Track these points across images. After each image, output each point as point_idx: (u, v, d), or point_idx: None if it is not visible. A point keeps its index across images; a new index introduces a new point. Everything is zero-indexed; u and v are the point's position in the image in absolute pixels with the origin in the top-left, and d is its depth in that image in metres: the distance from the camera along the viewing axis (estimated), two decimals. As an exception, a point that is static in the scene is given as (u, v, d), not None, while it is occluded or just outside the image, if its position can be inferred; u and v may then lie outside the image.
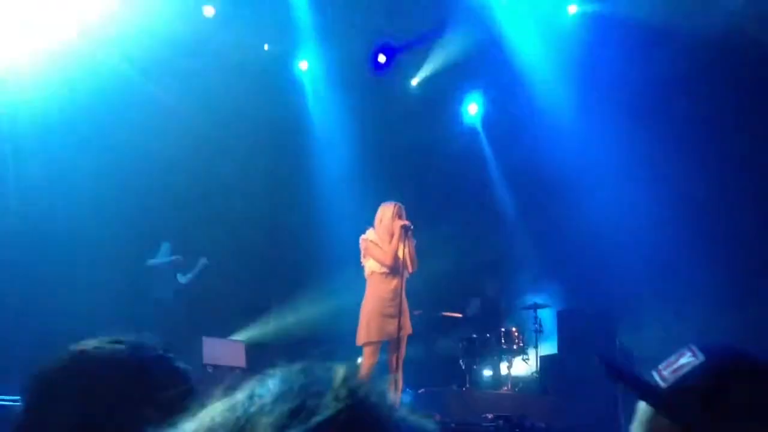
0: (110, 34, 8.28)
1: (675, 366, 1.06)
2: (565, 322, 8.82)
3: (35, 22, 7.72)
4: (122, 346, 1.13)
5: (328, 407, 0.54)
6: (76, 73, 8.22)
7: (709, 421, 0.98)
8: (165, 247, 8.57)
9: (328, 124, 9.76)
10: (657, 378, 1.07)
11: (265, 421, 0.54)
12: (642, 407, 1.07)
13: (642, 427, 1.06)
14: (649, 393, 1.05)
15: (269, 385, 0.58)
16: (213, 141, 9.26)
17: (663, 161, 8.61)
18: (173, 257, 8.53)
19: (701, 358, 1.04)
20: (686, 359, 1.05)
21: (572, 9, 9.36)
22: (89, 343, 1.13)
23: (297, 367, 0.60)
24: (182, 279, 8.62)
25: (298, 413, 0.54)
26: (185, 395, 1.07)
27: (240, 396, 0.58)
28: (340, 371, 0.58)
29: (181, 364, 1.14)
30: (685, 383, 1.02)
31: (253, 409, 0.56)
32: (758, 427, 0.99)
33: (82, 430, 1.02)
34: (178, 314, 8.39)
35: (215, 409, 0.58)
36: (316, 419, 0.53)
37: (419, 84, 10.29)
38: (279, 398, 0.56)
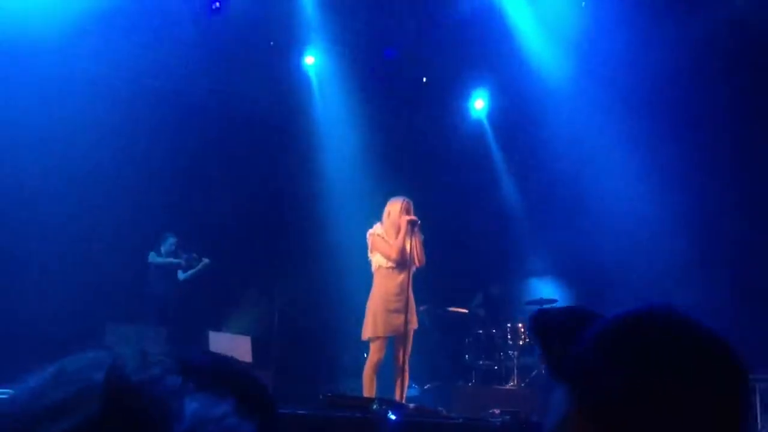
0: (114, 27, 8.27)
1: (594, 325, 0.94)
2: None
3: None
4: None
5: (92, 402, 0.51)
6: (77, 64, 8.22)
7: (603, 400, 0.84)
8: (170, 241, 8.57)
9: (335, 119, 9.75)
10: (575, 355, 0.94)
11: (27, 415, 0.51)
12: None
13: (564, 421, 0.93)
14: (554, 363, 0.94)
15: (40, 377, 0.55)
16: (218, 135, 9.27)
17: (672, 156, 8.58)
18: (174, 260, 8.50)
19: (603, 327, 0.91)
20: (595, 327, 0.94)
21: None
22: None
23: (68, 361, 0.56)
24: (182, 275, 8.63)
25: (63, 407, 0.51)
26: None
27: (17, 387, 0.55)
28: (114, 362, 0.55)
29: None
30: (583, 355, 0.89)
31: (12, 402, 0.53)
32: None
33: None
34: (181, 309, 8.40)
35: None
36: (76, 416, 0.50)
37: (426, 79, 10.26)
38: (45, 392, 0.53)
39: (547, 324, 1.00)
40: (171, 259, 8.54)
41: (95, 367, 0.54)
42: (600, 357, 0.86)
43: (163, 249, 8.60)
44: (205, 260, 8.66)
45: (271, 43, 9.45)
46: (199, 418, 0.54)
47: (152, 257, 8.51)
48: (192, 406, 0.54)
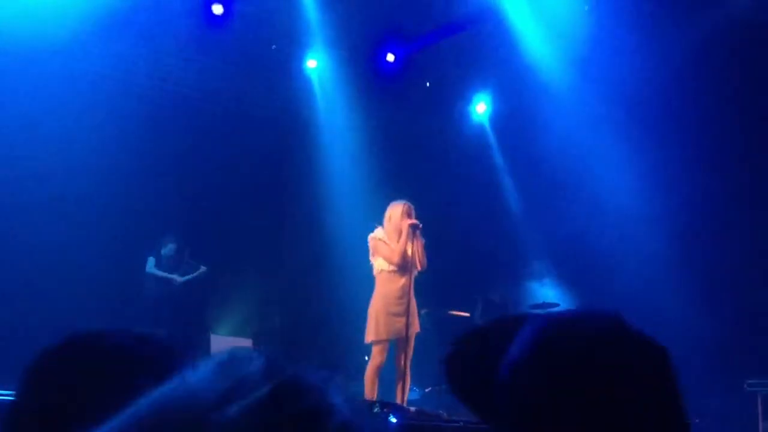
0: (118, 31, 8.29)
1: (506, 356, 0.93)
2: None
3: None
4: (127, 336, 1.06)
5: (258, 387, 0.54)
6: (79, 64, 8.24)
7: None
8: (170, 247, 8.57)
9: (337, 123, 9.76)
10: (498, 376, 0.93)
11: (201, 402, 0.53)
12: None
13: None
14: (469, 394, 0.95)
15: (199, 371, 0.57)
16: (219, 138, 9.28)
17: (674, 159, 8.58)
18: (169, 276, 8.48)
19: (517, 349, 0.90)
20: (513, 347, 0.92)
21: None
22: (90, 330, 1.07)
23: (223, 354, 0.59)
24: (178, 279, 8.61)
25: (235, 391, 0.53)
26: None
27: (174, 381, 0.58)
28: (265, 355, 0.58)
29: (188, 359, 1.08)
30: (501, 381, 0.89)
31: (184, 393, 0.55)
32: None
33: (73, 418, 0.97)
34: (180, 312, 8.40)
35: (154, 393, 0.57)
36: (248, 399, 0.53)
37: (429, 83, 10.28)
38: (216, 379, 0.55)
39: (461, 362, 0.98)
40: (166, 274, 8.51)
41: (247, 360, 0.57)
42: (521, 394, 0.85)
43: (163, 253, 8.57)
44: (203, 268, 8.64)
45: (273, 46, 9.47)
46: (352, 409, 0.56)
47: (150, 266, 8.48)
48: (339, 399, 0.57)
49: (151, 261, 8.51)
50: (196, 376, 0.57)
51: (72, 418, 0.95)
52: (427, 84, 10.20)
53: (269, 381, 0.54)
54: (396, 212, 6.18)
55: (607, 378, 0.81)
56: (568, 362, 0.83)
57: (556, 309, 8.80)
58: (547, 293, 9.56)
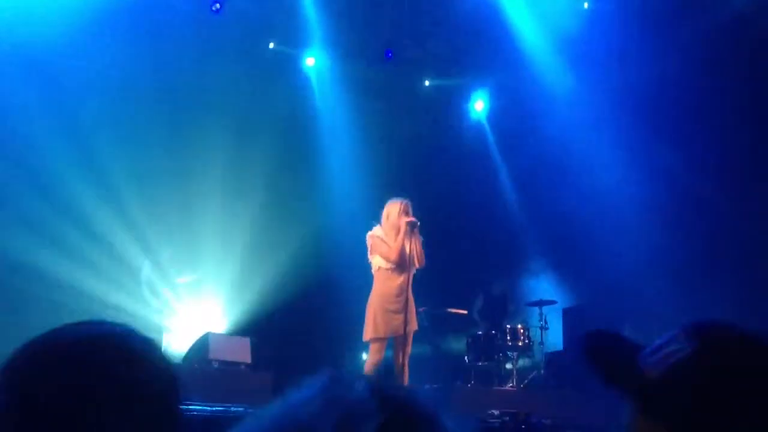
0: (116, 30, 8.29)
1: (663, 353, 0.91)
2: (570, 319, 8.84)
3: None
4: (109, 330, 1.05)
5: (374, 415, 0.54)
6: (77, 67, 8.23)
7: (700, 421, 0.86)
8: (166, 255, 8.56)
9: (335, 121, 9.75)
10: (643, 367, 0.92)
11: (321, 429, 0.54)
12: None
13: (629, 426, 0.93)
14: (631, 386, 0.92)
15: (308, 394, 0.57)
16: (216, 135, 9.26)
17: (670, 156, 8.59)
18: (161, 290, 8.48)
19: (692, 345, 0.89)
20: (676, 345, 0.91)
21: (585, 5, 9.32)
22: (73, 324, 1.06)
23: (326, 375, 0.60)
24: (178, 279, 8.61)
25: (348, 422, 0.54)
26: (170, 390, 1.04)
27: (284, 403, 0.58)
28: (369, 378, 0.58)
29: (166, 355, 1.07)
30: (673, 376, 0.88)
31: (304, 417, 0.56)
32: (753, 428, 0.85)
33: (59, 417, 0.96)
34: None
35: (266, 417, 0.57)
36: (371, 426, 0.53)
37: (428, 81, 10.28)
38: (326, 407, 0.56)
39: (608, 348, 0.99)
40: (159, 292, 8.47)
41: (349, 384, 0.58)
42: (706, 392, 0.87)
43: (160, 261, 8.57)
44: (196, 275, 8.62)
45: (271, 44, 9.47)
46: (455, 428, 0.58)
47: (146, 272, 8.46)
48: (451, 422, 0.60)
49: (146, 265, 8.49)
50: (302, 402, 0.57)
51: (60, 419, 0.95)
52: (426, 83, 10.20)
53: (380, 409, 0.55)
54: (393, 210, 6.18)
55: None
56: (737, 374, 0.87)
57: (551, 305, 8.83)
58: (546, 289, 9.59)
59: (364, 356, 8.11)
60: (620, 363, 0.94)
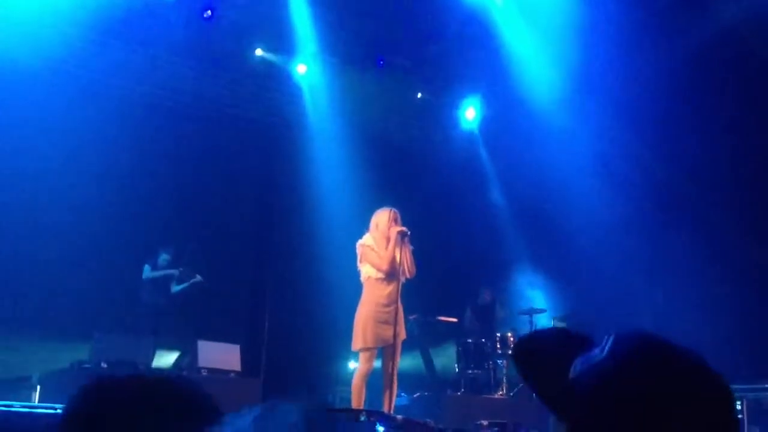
0: (110, 37, 8.28)
1: (584, 358, 0.93)
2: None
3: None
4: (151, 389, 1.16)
5: None
6: (71, 74, 8.21)
7: (588, 426, 0.87)
8: (163, 257, 8.55)
9: (325, 129, 9.75)
10: (572, 369, 0.94)
11: None
12: None
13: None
14: (541, 385, 0.95)
15: (240, 424, 0.59)
16: (209, 144, 9.26)
17: (662, 165, 8.64)
18: (168, 272, 8.48)
19: (605, 353, 0.91)
20: (597, 351, 0.93)
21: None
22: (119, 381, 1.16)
23: (263, 405, 0.61)
24: (174, 288, 8.60)
25: None
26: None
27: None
28: (305, 412, 0.60)
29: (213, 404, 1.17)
30: (579, 379, 0.91)
31: None
32: None
33: None
34: (171, 318, 8.37)
35: None
36: None
37: (420, 93, 10.29)
38: None
39: (535, 352, 1.01)
40: (166, 271, 8.50)
41: (284, 415, 0.60)
42: (602, 398, 0.88)
43: (159, 263, 8.57)
44: (198, 277, 8.61)
45: (261, 52, 9.46)
46: None
47: (146, 271, 8.47)
48: None
49: (146, 268, 8.49)
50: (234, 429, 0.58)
51: None
52: (419, 95, 10.21)
53: None
54: (383, 219, 6.17)
55: (678, 416, 0.85)
56: (652, 388, 0.86)
57: (541, 313, 8.85)
58: (535, 298, 9.61)
59: (353, 364, 8.11)
60: (545, 367, 0.95)
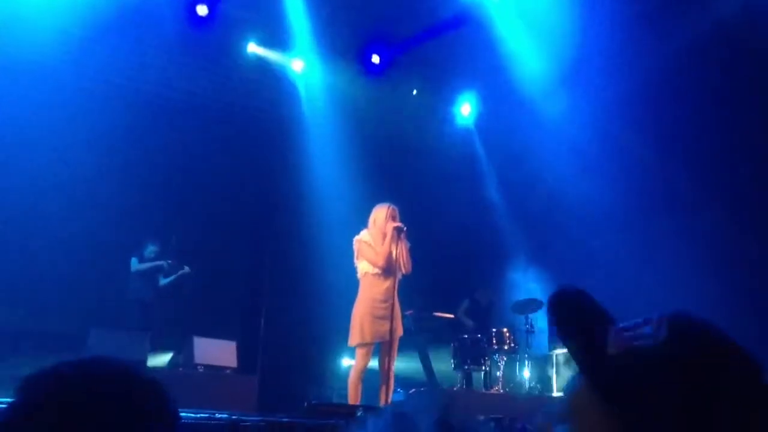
0: (103, 34, 8.24)
1: (632, 334, 0.92)
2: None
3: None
4: (110, 371, 1.11)
5: None
6: (64, 70, 8.18)
7: (639, 417, 0.85)
8: (150, 249, 8.53)
9: (322, 125, 9.74)
10: (611, 338, 0.92)
11: None
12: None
13: (572, 394, 0.93)
14: (588, 356, 0.92)
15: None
16: (203, 140, 9.24)
17: (653, 156, 8.65)
18: (156, 263, 8.47)
19: (660, 338, 0.89)
20: (647, 329, 0.91)
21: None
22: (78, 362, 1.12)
23: (389, 413, 0.60)
24: (162, 281, 8.59)
25: None
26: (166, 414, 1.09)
27: None
28: (432, 414, 0.59)
29: (170, 397, 1.12)
30: (632, 363, 0.89)
31: None
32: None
33: None
34: (163, 314, 8.36)
35: None
36: None
37: (414, 85, 10.29)
38: None
39: (569, 314, 0.99)
40: (155, 262, 8.50)
41: (413, 421, 0.60)
42: (666, 387, 0.86)
43: (145, 255, 8.55)
44: (186, 268, 8.59)
45: (257, 49, 9.44)
46: None
47: (134, 264, 8.46)
48: None
49: (134, 261, 8.48)
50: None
51: None
52: (414, 92, 10.20)
53: None
54: (380, 215, 6.17)
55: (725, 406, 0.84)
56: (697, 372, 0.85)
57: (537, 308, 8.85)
58: (532, 291, 9.61)
59: (346, 361, 8.11)
60: (587, 329, 0.94)
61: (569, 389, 0.94)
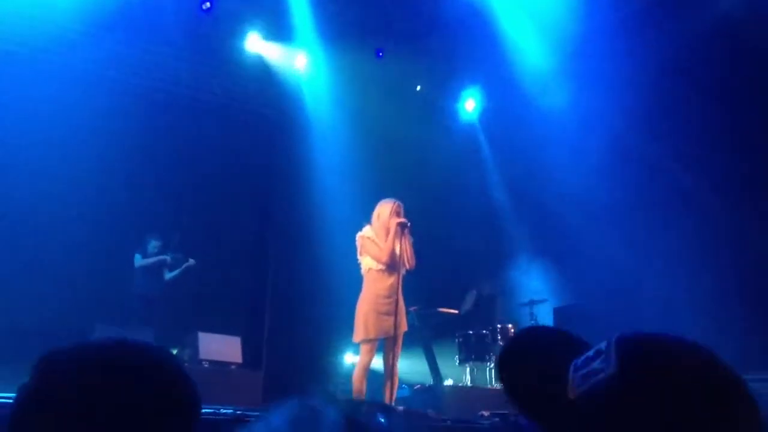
0: (107, 28, 8.24)
1: (586, 371, 0.86)
2: (561, 319, 8.85)
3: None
4: (131, 346, 1.09)
5: None
6: (67, 67, 8.18)
7: None
8: (153, 244, 8.54)
9: (325, 120, 9.73)
10: (570, 381, 0.86)
11: None
12: None
13: None
14: (543, 409, 0.87)
15: (277, 423, 0.57)
16: (207, 135, 9.24)
17: (661, 155, 8.62)
18: (160, 257, 8.49)
19: (613, 368, 0.83)
20: (599, 364, 0.85)
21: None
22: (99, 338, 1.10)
23: (295, 403, 0.59)
24: (168, 275, 8.59)
25: None
26: (191, 404, 1.06)
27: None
28: (339, 405, 0.58)
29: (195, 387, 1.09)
30: (588, 405, 0.83)
31: None
32: None
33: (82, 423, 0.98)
34: (168, 310, 8.37)
35: None
36: None
37: (419, 85, 10.27)
38: None
39: (530, 355, 0.95)
40: (158, 257, 8.51)
41: (318, 412, 0.58)
42: (617, 422, 0.81)
43: (149, 250, 8.57)
44: (191, 261, 8.61)
45: (261, 42, 9.43)
46: None
47: (138, 260, 8.47)
48: None
49: (137, 257, 8.50)
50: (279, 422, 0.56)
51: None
52: (418, 88, 10.18)
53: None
54: (385, 210, 6.16)
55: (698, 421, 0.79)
56: (667, 393, 0.80)
57: (542, 304, 8.85)
58: (536, 289, 9.60)
59: (349, 358, 8.11)
60: (537, 385, 0.89)
61: None
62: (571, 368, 0.87)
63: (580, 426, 0.82)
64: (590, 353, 0.87)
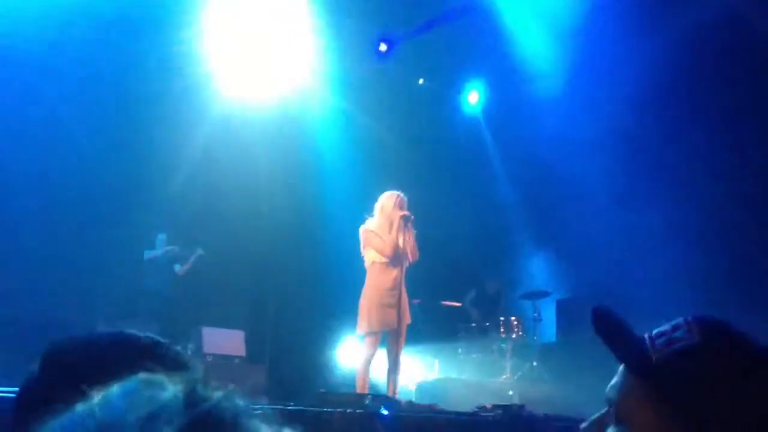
0: (108, 24, 8.23)
1: (668, 338, 0.99)
2: (563, 311, 8.86)
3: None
4: (137, 337, 1.08)
5: (177, 416, 0.53)
6: (70, 67, 8.18)
7: (699, 410, 0.92)
8: (161, 238, 8.55)
9: (328, 113, 9.72)
10: (648, 345, 0.99)
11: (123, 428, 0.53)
12: (623, 370, 1.02)
13: (616, 391, 1.01)
14: (640, 362, 0.98)
15: (117, 397, 0.56)
16: (211, 131, 9.23)
17: (662, 147, 8.60)
18: (167, 248, 8.50)
19: (697, 338, 0.97)
20: (680, 333, 0.98)
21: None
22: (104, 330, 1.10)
23: (140, 378, 0.58)
24: (178, 269, 8.60)
25: (152, 422, 0.53)
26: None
27: (92, 406, 0.57)
28: (185, 380, 0.57)
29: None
30: (678, 362, 0.96)
31: (108, 419, 0.55)
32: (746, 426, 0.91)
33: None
34: (175, 305, 8.38)
35: (71, 418, 0.56)
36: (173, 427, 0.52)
37: (422, 78, 10.24)
38: (130, 409, 0.55)
39: (615, 323, 1.06)
40: (166, 248, 8.52)
41: (160, 387, 0.56)
42: (705, 379, 0.95)
43: (156, 245, 8.58)
44: (199, 250, 8.61)
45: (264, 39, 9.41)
46: None
47: (147, 254, 8.49)
48: (262, 427, 0.57)
49: (146, 252, 8.52)
50: (107, 402, 0.56)
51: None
52: (420, 81, 10.15)
53: (188, 411, 0.53)
54: (388, 203, 6.17)
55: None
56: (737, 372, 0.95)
57: (545, 297, 8.85)
58: (539, 280, 9.62)
59: (354, 350, 8.12)
60: (628, 341, 1.02)
61: (619, 392, 1.00)
62: (647, 338, 1.01)
63: (669, 382, 0.95)
64: (666, 327, 1.01)
